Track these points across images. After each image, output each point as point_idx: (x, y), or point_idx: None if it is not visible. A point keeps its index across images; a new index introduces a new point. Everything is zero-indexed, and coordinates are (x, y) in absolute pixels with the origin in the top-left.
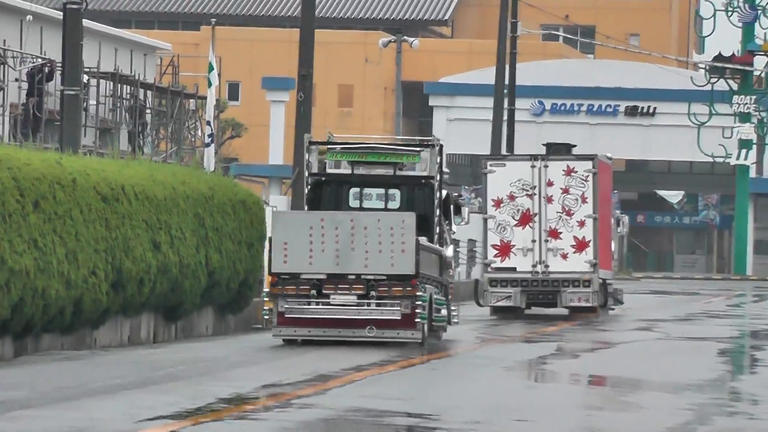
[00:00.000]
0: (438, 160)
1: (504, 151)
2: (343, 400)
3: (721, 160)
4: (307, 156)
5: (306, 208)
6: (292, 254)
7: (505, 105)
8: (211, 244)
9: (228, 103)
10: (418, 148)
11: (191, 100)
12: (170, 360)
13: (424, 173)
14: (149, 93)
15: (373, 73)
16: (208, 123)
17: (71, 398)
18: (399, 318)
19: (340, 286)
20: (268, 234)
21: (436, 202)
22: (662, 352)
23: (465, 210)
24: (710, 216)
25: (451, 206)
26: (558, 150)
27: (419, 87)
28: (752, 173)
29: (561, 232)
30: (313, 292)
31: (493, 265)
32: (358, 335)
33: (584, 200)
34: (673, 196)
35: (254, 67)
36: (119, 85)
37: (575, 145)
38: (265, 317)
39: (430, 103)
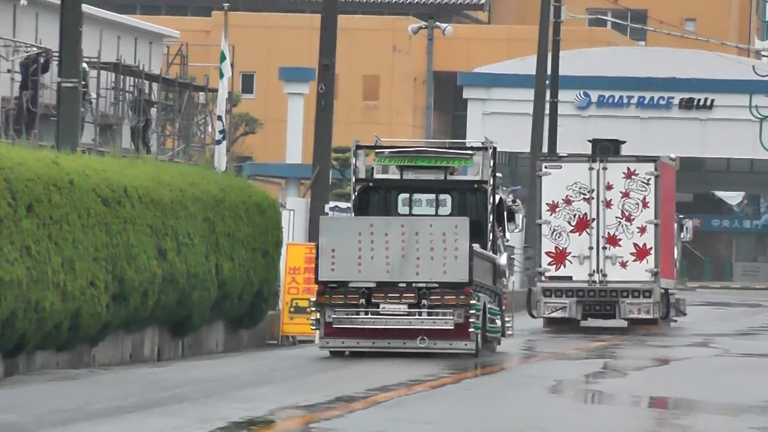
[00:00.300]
0: (491, 164)
1: (545, 149)
2: (367, 424)
3: None
4: (354, 160)
5: (352, 215)
6: (340, 262)
7: (547, 97)
8: (222, 252)
9: (242, 96)
10: (470, 152)
11: (201, 93)
12: (176, 379)
13: (477, 177)
14: (155, 85)
15: (401, 62)
16: (220, 118)
17: (68, 422)
18: (452, 328)
19: (390, 294)
20: (286, 241)
21: (489, 207)
22: (720, 370)
23: (519, 216)
24: None
25: (505, 212)
26: (606, 148)
27: (452, 78)
28: None
29: (620, 239)
30: (362, 301)
31: (547, 274)
32: (409, 346)
33: (645, 205)
34: (733, 198)
35: (271, 57)
36: (122, 76)
37: (624, 142)
38: (312, 328)
39: (464, 96)
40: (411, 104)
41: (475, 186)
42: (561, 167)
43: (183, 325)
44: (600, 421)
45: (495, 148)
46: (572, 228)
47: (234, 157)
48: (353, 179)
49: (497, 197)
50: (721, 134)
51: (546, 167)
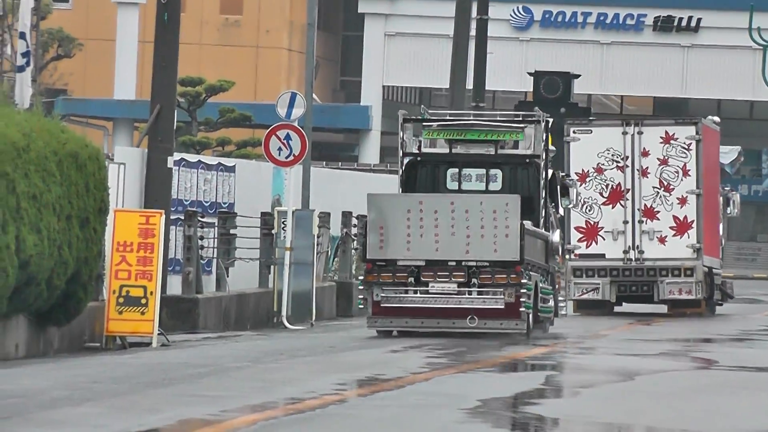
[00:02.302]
0: (544, 137)
1: (469, 84)
2: None
3: None
4: (401, 134)
5: (400, 190)
6: (388, 239)
7: (474, 14)
8: (24, 221)
9: (53, 5)
10: (521, 124)
11: None
12: None
13: (529, 152)
14: None
15: None
16: (22, 35)
17: None
18: (502, 307)
19: (439, 273)
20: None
21: (541, 183)
22: (702, 389)
23: (573, 191)
24: None
25: (558, 187)
26: (552, 84)
27: None
28: None
29: (658, 212)
30: (411, 279)
31: (577, 251)
32: (459, 326)
33: (686, 173)
34: (725, 154)
35: None
36: None
37: (578, 76)
38: (360, 306)
39: (359, 10)
40: (287, 21)
41: (527, 160)
42: (591, 132)
43: None
44: None
45: (548, 121)
46: (605, 200)
47: (42, 90)
48: (400, 153)
49: (550, 171)
50: (709, 67)
51: (574, 132)
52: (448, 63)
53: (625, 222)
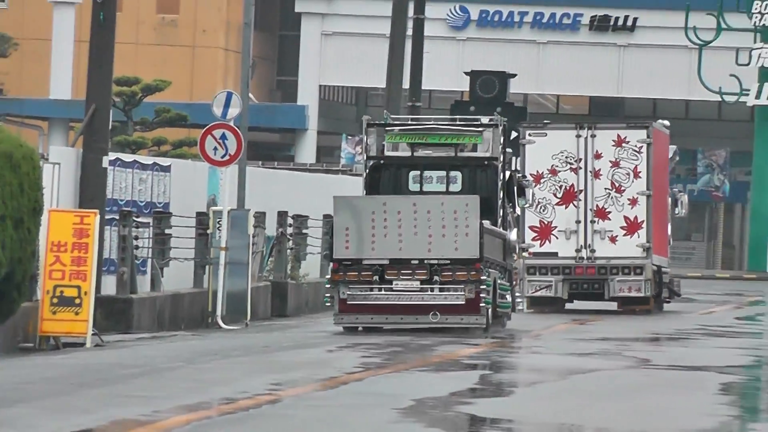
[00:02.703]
0: (501, 140)
1: (406, 83)
2: None
3: (732, 98)
4: (365, 138)
5: (364, 192)
6: (354, 240)
7: (411, 13)
8: None
9: None
10: (480, 128)
11: None
12: None
13: (487, 154)
14: None
15: None
16: None
17: None
18: (463, 303)
19: (402, 271)
20: (48, 206)
21: (499, 183)
22: (636, 388)
23: (529, 191)
24: (715, 183)
25: (515, 187)
26: (488, 83)
27: None
28: None
29: (609, 212)
30: (376, 278)
31: (531, 250)
32: (422, 321)
33: (637, 175)
34: None
35: None
36: None
37: (514, 75)
38: (327, 304)
39: (296, 9)
40: (223, 20)
41: (486, 162)
42: (546, 134)
43: None
44: None
45: (505, 125)
46: (558, 200)
47: None
48: (364, 156)
49: (507, 173)
50: (645, 66)
51: (530, 135)
52: (385, 62)
53: (578, 222)
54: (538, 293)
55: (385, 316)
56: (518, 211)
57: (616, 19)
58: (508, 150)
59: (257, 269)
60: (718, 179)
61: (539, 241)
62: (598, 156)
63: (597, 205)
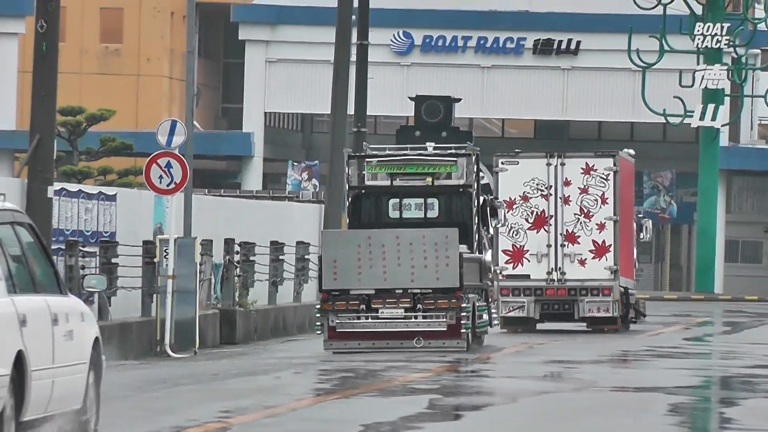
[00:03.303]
0: (475, 169)
1: (351, 109)
2: None
3: (677, 120)
4: (346, 169)
5: (347, 220)
6: (341, 271)
7: (354, 39)
8: None
9: None
10: (454, 158)
11: None
12: None
13: (462, 181)
14: None
15: None
16: None
17: None
18: (445, 329)
19: (388, 300)
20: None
21: (474, 209)
22: (585, 410)
23: (501, 212)
24: (661, 204)
25: (488, 210)
26: (433, 108)
27: (224, 12)
28: (724, 140)
29: (579, 236)
30: (363, 306)
31: (504, 272)
32: (406, 346)
33: (604, 201)
34: None
35: None
36: None
37: (459, 99)
38: (317, 332)
39: (240, 37)
40: (167, 48)
41: (461, 189)
42: (518, 163)
43: None
44: None
45: (478, 154)
46: (530, 225)
47: None
48: (346, 186)
49: (481, 198)
50: (590, 89)
51: (502, 163)
52: (330, 89)
53: (549, 245)
54: (511, 314)
55: (372, 341)
56: (491, 230)
57: (560, 42)
58: (482, 175)
59: (205, 297)
60: (664, 201)
61: (512, 264)
62: (567, 183)
63: (567, 230)
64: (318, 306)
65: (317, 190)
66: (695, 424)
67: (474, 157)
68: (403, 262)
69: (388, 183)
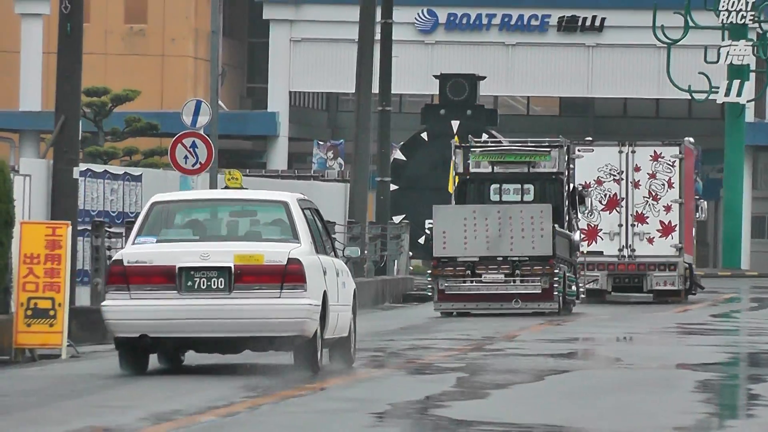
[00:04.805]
0: (566, 158)
1: (375, 88)
2: None
3: (702, 96)
4: (453, 157)
5: (454, 202)
6: (450, 241)
7: (378, 17)
8: None
9: None
10: (548, 148)
11: None
12: None
13: (554, 170)
14: None
15: None
16: None
17: None
18: (540, 292)
19: (490, 266)
20: (19, 219)
21: (564, 194)
22: (613, 387)
23: (588, 200)
24: None
25: (576, 197)
26: (459, 86)
27: None
28: (749, 116)
29: (647, 217)
30: (468, 272)
31: (580, 249)
32: (506, 307)
33: (671, 185)
34: None
35: None
36: None
37: (484, 78)
38: (428, 294)
39: (264, 16)
40: (191, 28)
41: (553, 177)
42: (593, 150)
43: None
44: None
45: (569, 146)
46: (603, 207)
47: None
48: (453, 173)
49: (571, 185)
50: (614, 66)
51: (579, 150)
52: (354, 68)
53: (620, 225)
54: (587, 286)
55: (476, 303)
56: (580, 216)
57: (584, 19)
58: (572, 166)
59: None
60: None
61: (587, 242)
62: (637, 169)
63: (636, 211)
64: (429, 272)
65: (342, 169)
66: (722, 401)
67: (566, 149)
68: (504, 234)
69: (489, 170)
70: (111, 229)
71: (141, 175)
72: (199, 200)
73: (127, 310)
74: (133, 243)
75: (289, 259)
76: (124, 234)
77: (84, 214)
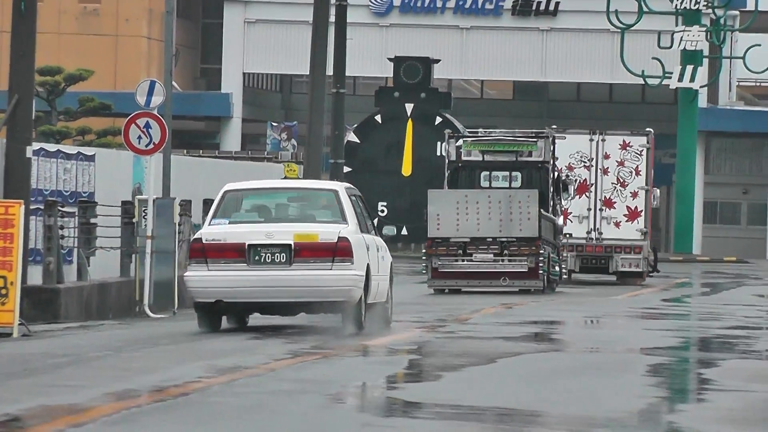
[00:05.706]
0: (551, 148)
1: (329, 70)
2: None
3: (655, 81)
4: (446, 146)
5: (446, 188)
6: (443, 223)
7: None
8: None
9: None
10: (534, 139)
11: None
12: None
13: (540, 159)
14: None
15: None
16: None
17: None
18: (526, 270)
19: (480, 247)
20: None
21: (550, 181)
22: (565, 371)
23: (571, 187)
24: None
25: (560, 184)
26: (413, 69)
27: None
28: (702, 102)
29: (615, 202)
30: (460, 251)
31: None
32: (494, 285)
33: (638, 173)
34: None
35: None
36: None
37: (438, 60)
38: (423, 272)
39: None
40: (145, 9)
41: (539, 165)
42: (565, 138)
43: None
44: None
45: (554, 137)
46: (574, 191)
47: None
48: (446, 161)
49: (555, 173)
50: (568, 50)
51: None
52: (309, 49)
53: (589, 209)
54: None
55: (467, 281)
56: (563, 202)
57: (539, 3)
58: (556, 156)
59: (184, 258)
60: None
61: None
62: (606, 156)
63: (605, 197)
64: (424, 251)
65: (296, 150)
66: (674, 385)
67: (551, 139)
68: (493, 216)
69: (480, 159)
70: (64, 209)
71: (94, 154)
72: (263, 189)
73: (206, 279)
74: (210, 224)
75: (339, 237)
76: (76, 213)
77: (37, 194)
